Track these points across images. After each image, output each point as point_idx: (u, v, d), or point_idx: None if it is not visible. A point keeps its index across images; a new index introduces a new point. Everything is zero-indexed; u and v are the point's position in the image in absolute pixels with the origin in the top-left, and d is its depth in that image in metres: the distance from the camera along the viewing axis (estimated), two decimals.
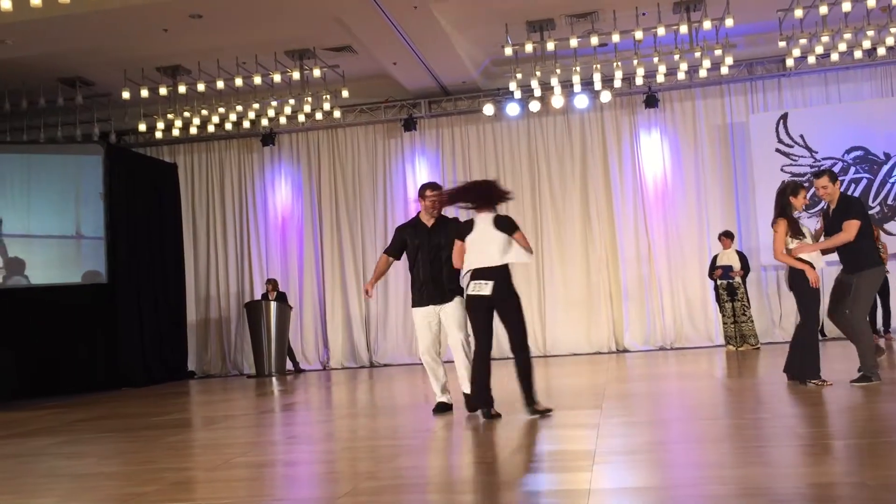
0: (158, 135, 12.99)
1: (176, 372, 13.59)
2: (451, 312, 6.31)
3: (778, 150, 12.69)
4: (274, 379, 12.31)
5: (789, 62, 11.66)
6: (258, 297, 13.55)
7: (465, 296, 6.07)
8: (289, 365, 13.20)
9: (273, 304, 12.80)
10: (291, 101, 12.31)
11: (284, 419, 7.30)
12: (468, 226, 5.95)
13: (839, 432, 4.64)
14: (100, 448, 6.10)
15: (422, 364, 6.72)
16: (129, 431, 6.92)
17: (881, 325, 11.34)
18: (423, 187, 6.60)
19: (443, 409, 6.39)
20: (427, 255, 6.36)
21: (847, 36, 10.86)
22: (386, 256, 6.63)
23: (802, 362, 6.68)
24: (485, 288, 5.76)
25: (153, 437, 6.36)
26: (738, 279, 11.29)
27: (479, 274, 5.82)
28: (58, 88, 12.21)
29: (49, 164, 12.27)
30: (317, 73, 11.69)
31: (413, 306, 6.46)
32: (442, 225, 6.45)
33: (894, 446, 4.20)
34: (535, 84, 11.71)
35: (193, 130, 12.93)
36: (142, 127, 12.72)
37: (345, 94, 12.21)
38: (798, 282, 6.67)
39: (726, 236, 11.57)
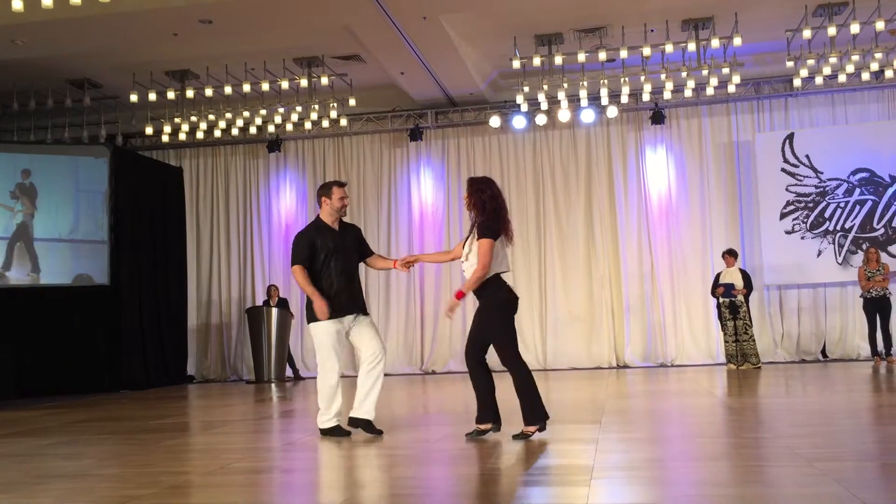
0: (165, 138, 13.04)
1: (175, 376, 13.58)
2: (370, 326, 5.97)
3: (783, 170, 12.69)
4: (273, 385, 12.28)
5: (797, 82, 11.68)
6: (260, 302, 13.55)
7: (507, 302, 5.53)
8: (288, 372, 13.17)
9: (274, 311, 12.79)
10: (298, 109, 12.35)
11: (282, 426, 7.29)
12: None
13: (841, 453, 4.62)
14: (97, 450, 6.09)
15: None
16: (127, 434, 6.90)
17: (882, 348, 11.31)
18: (331, 185, 5.99)
19: (341, 432, 5.94)
20: (340, 261, 5.88)
21: (855, 58, 10.87)
22: (301, 267, 5.85)
23: None
24: None
25: (151, 440, 6.35)
26: (740, 297, 11.27)
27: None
28: (66, 90, 12.26)
29: (55, 164, 12.30)
30: (324, 81, 11.74)
31: (317, 320, 5.80)
32: (347, 229, 6.07)
33: None
34: (542, 98, 11.74)
35: (200, 135, 12.96)
36: (148, 130, 12.76)
37: (352, 102, 12.25)
38: None
39: (730, 254, 11.55)
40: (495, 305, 5.48)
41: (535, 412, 5.45)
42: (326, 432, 5.97)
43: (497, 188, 5.66)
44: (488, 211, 5.50)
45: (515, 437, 5.44)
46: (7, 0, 8.21)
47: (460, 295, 5.46)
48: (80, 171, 12.44)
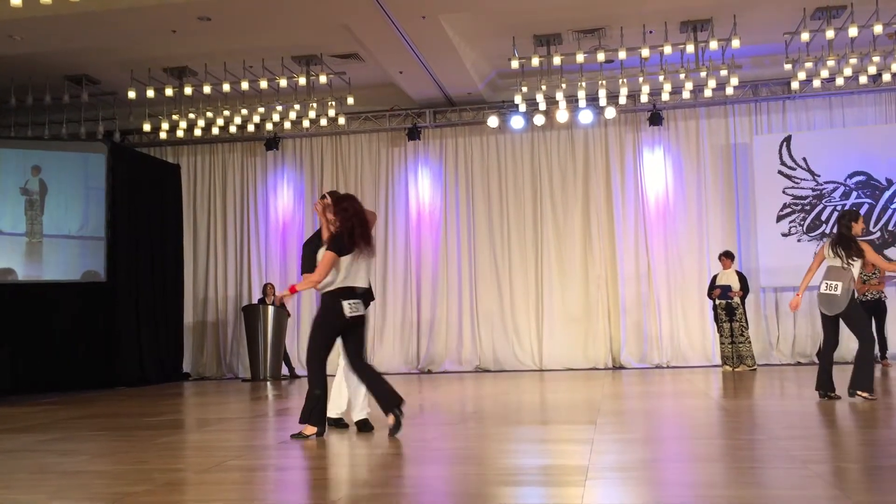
0: (162, 135, 13.03)
1: (171, 373, 13.57)
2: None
3: (780, 173, 12.71)
4: (269, 383, 12.28)
5: (794, 85, 11.69)
6: (256, 300, 13.54)
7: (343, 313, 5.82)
8: (284, 370, 13.17)
9: (270, 309, 12.79)
10: (296, 107, 12.34)
11: (278, 424, 7.28)
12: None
13: (835, 455, 4.63)
14: (92, 446, 6.08)
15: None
16: (122, 431, 6.90)
17: (877, 352, 11.31)
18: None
19: (338, 424, 6.39)
20: None
21: (853, 61, 10.89)
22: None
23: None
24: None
25: (146, 437, 6.35)
26: (736, 300, 11.28)
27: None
28: (64, 86, 12.24)
29: (52, 160, 12.27)
30: (323, 79, 11.73)
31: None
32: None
33: (889, 471, 4.19)
34: (540, 98, 11.74)
35: (198, 132, 12.94)
36: (146, 127, 12.74)
37: (350, 101, 12.24)
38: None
39: (726, 256, 11.57)
40: (324, 324, 5.88)
41: (313, 415, 5.79)
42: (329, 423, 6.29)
43: (360, 205, 5.86)
44: (348, 226, 5.69)
45: (293, 436, 5.81)
46: None
47: (293, 290, 5.93)
48: (88, 169, 12.42)
